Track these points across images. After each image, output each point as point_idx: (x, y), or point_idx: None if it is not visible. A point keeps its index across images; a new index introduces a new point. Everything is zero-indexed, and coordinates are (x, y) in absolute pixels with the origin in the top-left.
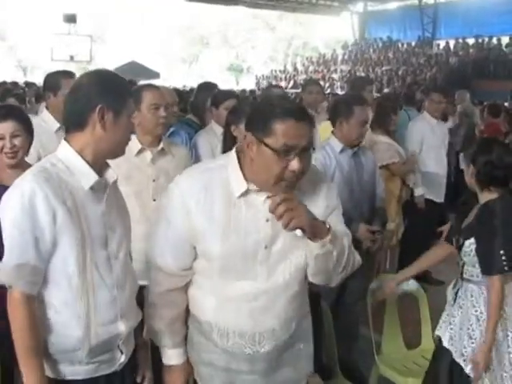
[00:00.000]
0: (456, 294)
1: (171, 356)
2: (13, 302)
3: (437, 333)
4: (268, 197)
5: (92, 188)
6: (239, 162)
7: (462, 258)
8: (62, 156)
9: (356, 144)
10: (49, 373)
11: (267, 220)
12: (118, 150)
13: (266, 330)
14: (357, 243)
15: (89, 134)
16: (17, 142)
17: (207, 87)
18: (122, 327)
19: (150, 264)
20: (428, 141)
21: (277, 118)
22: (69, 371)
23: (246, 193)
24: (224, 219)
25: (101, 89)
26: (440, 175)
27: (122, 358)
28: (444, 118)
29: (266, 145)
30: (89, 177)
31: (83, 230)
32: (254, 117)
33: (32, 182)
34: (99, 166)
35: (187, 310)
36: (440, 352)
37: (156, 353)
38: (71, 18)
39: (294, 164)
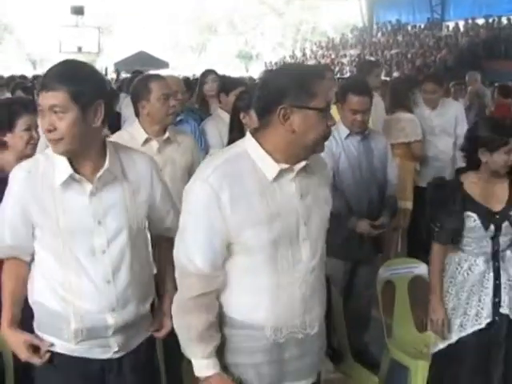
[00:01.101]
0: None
1: (208, 365)
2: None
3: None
4: None
5: (71, 181)
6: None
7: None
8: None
9: (356, 131)
10: (45, 342)
11: (301, 196)
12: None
13: (314, 310)
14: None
15: None
16: (37, 134)
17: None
18: (111, 320)
19: (178, 270)
20: (425, 130)
21: (316, 78)
22: (59, 345)
23: (278, 174)
24: (263, 206)
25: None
26: (443, 162)
27: (116, 348)
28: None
29: (312, 108)
30: (63, 171)
31: (58, 220)
32: (291, 87)
33: (13, 176)
34: (84, 159)
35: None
36: None
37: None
38: (79, 10)
39: (331, 118)
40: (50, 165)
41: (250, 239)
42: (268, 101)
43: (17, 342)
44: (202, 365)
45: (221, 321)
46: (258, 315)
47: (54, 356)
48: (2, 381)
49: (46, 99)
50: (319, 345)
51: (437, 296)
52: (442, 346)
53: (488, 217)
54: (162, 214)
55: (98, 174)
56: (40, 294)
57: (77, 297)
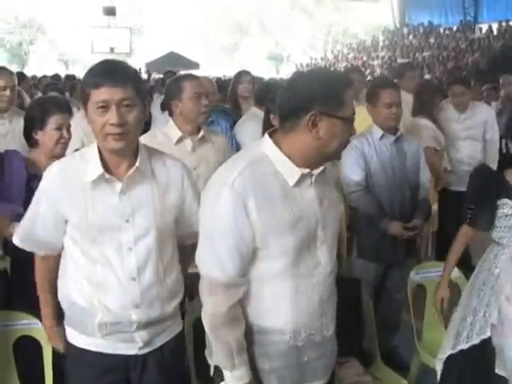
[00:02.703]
0: None
1: (242, 374)
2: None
3: None
4: None
5: (101, 180)
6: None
7: None
8: (89, 146)
9: (391, 127)
10: (71, 339)
11: (320, 202)
12: (101, 141)
13: (330, 312)
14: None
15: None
16: (67, 134)
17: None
18: (135, 316)
19: (205, 282)
20: (453, 133)
21: (346, 86)
22: (85, 341)
23: (299, 179)
24: (287, 211)
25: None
26: (469, 166)
27: (141, 344)
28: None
29: (340, 117)
30: (94, 170)
31: (87, 217)
32: (322, 94)
33: (47, 173)
34: (116, 158)
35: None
36: None
37: None
38: (111, 11)
39: (353, 129)
40: (85, 163)
41: (274, 245)
42: (296, 105)
43: (56, 337)
44: (237, 375)
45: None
46: (279, 320)
47: (80, 351)
48: (42, 374)
49: (115, 93)
50: (333, 345)
51: (447, 274)
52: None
53: None
54: (190, 218)
55: (129, 173)
56: (66, 288)
57: (102, 291)
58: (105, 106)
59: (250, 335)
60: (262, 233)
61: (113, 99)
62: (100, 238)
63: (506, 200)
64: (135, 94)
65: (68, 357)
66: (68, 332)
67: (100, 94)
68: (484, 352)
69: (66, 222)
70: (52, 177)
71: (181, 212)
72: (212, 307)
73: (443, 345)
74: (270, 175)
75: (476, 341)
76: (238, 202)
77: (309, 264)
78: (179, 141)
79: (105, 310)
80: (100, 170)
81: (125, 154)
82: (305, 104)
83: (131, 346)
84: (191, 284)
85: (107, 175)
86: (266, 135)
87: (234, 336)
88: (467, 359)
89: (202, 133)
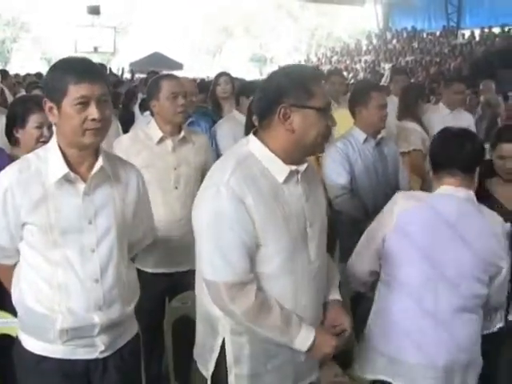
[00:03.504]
0: None
1: (306, 336)
2: None
3: None
4: None
5: (65, 181)
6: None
7: None
8: (47, 146)
9: (379, 130)
10: (27, 346)
11: (306, 199)
12: (76, 139)
13: (320, 308)
14: None
15: (56, 128)
16: (48, 132)
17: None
18: (97, 319)
19: (221, 290)
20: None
21: (314, 78)
22: (43, 348)
23: (288, 176)
24: (279, 209)
25: (47, 81)
26: None
27: (102, 347)
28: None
29: (311, 107)
30: (58, 170)
31: (50, 219)
32: (290, 87)
33: (4, 177)
34: (80, 158)
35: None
36: None
37: None
38: (95, 10)
39: (332, 119)
40: (43, 163)
41: (272, 242)
42: (268, 101)
43: None
44: (301, 340)
45: (242, 329)
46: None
47: (38, 359)
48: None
49: (95, 89)
50: None
51: None
52: None
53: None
54: (140, 221)
55: (93, 172)
56: (22, 294)
57: (64, 296)
58: (84, 102)
59: (250, 334)
60: (262, 229)
61: (93, 94)
62: (62, 241)
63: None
64: (108, 90)
65: (23, 364)
66: (23, 338)
67: (80, 90)
68: None
69: (23, 225)
70: (8, 180)
71: (136, 214)
72: (239, 309)
73: None
74: (258, 173)
75: None
76: (237, 199)
77: (304, 260)
78: (160, 141)
79: (67, 313)
80: (65, 169)
81: (94, 149)
82: (275, 98)
83: (92, 351)
84: (175, 283)
85: (72, 174)
86: (251, 134)
87: (274, 315)
88: None
89: (182, 133)
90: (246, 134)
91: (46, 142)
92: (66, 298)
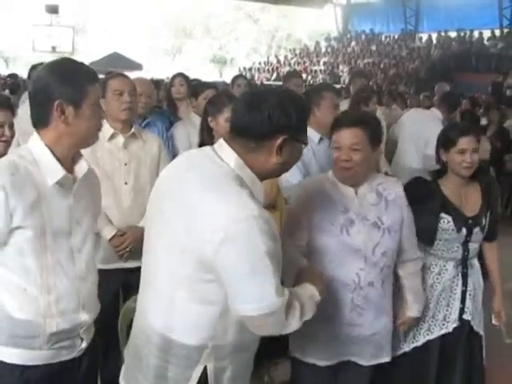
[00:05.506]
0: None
1: (313, 288)
2: None
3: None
4: None
5: (58, 183)
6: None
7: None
8: (32, 148)
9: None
10: (5, 359)
11: None
12: (89, 139)
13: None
14: None
15: (54, 130)
16: (10, 131)
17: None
18: (85, 317)
19: (269, 319)
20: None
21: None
22: (28, 357)
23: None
24: None
25: (57, 83)
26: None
27: (83, 345)
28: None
29: (301, 141)
30: (55, 173)
31: (44, 223)
32: (290, 120)
33: None
34: (70, 159)
35: None
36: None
37: None
38: (53, 9)
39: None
40: (32, 165)
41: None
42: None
43: None
44: (315, 291)
45: (242, 326)
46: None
47: (21, 370)
48: None
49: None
50: None
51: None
52: (407, 348)
53: (461, 220)
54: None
55: (82, 174)
56: (3, 305)
57: (53, 298)
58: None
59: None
60: None
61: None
62: (52, 243)
63: (443, 214)
64: None
65: (3, 380)
66: (1, 351)
67: (95, 89)
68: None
69: (14, 230)
70: (3, 181)
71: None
72: (296, 326)
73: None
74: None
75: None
76: (263, 226)
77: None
78: (112, 137)
79: (57, 316)
80: (61, 172)
81: (76, 154)
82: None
83: (73, 350)
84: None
85: (70, 176)
86: (227, 148)
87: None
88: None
89: (132, 130)
90: (201, 134)
91: (7, 142)
92: (56, 301)
